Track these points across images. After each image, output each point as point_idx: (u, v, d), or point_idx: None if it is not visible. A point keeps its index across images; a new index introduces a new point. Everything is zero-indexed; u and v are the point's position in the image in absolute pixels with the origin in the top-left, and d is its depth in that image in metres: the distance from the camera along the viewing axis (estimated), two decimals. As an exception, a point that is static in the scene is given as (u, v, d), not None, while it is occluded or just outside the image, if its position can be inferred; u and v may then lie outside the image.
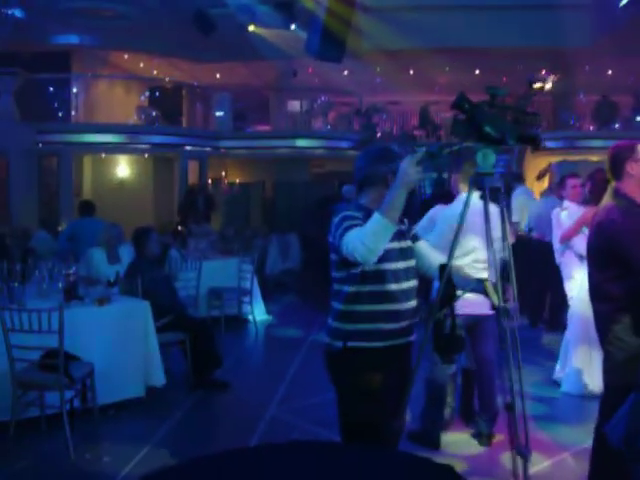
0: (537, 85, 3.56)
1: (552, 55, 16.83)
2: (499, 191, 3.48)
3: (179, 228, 12.91)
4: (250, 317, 9.74)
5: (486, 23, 15.31)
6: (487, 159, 3.34)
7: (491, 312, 5.00)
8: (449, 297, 3.42)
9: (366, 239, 3.07)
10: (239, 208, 17.68)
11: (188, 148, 17.78)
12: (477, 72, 19.74)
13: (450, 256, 3.51)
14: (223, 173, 20.65)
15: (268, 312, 10.44)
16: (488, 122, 3.24)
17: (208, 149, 18.39)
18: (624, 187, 3.95)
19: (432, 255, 3.68)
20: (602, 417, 3.82)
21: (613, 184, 4.02)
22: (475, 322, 5.18)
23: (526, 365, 5.60)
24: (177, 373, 7.00)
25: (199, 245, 10.60)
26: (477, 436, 5.35)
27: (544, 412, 6.10)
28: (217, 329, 8.61)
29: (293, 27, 14.39)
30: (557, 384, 6.79)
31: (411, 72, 19.20)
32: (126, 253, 7.73)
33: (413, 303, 3.46)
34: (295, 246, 13.53)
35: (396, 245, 3.37)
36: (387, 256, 3.25)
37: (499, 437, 5.22)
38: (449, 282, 3.44)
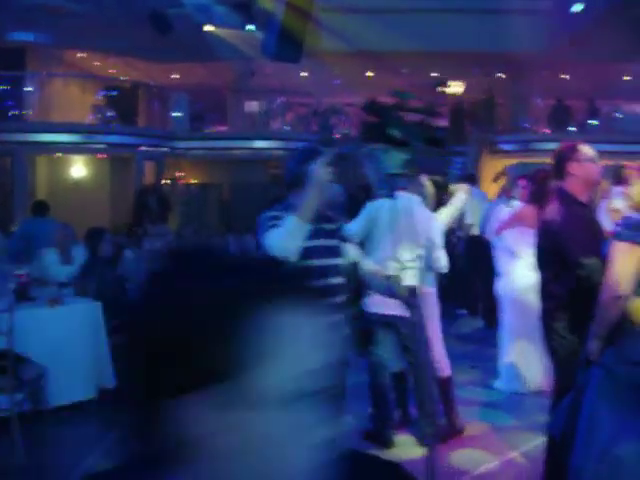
0: (442, 88, 3.64)
1: (508, 59, 17.04)
2: (404, 189, 3.54)
3: (133, 228, 12.78)
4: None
5: (443, 26, 15.45)
6: (394, 160, 3.41)
7: (407, 314, 5.05)
8: (357, 294, 3.50)
9: (281, 238, 3.21)
10: (196, 209, 17.59)
11: (144, 148, 17.62)
12: (434, 75, 19.89)
13: (368, 253, 3.57)
14: (180, 174, 20.52)
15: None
16: (395, 125, 3.32)
17: (165, 149, 18.25)
18: (567, 187, 4.03)
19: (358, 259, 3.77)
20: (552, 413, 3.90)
21: (558, 184, 4.10)
22: (404, 323, 5.18)
23: (480, 364, 5.68)
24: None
25: (154, 245, 10.51)
26: (419, 437, 5.34)
27: (493, 410, 6.17)
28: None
29: (250, 27, 14.34)
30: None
31: (369, 74, 19.28)
32: (79, 254, 7.64)
33: (339, 299, 3.52)
34: (252, 247, 13.49)
35: (322, 243, 3.45)
36: (312, 254, 3.33)
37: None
38: (357, 280, 3.54)
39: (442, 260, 5.27)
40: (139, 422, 0.89)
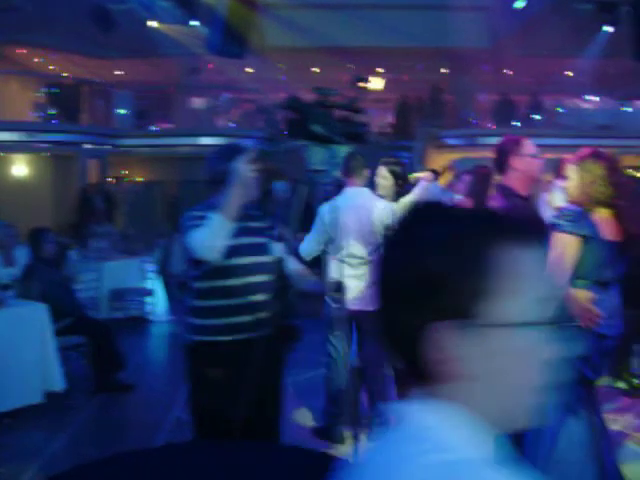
0: (362, 84, 3.65)
1: (452, 55, 17.19)
2: (330, 186, 3.55)
3: (78, 228, 12.56)
4: (153, 318, 9.58)
5: (388, 22, 15.51)
6: (317, 157, 3.42)
7: (369, 308, 5.07)
8: (283, 292, 3.51)
9: (205, 237, 3.20)
10: (142, 207, 17.36)
11: (88, 146, 17.32)
12: (380, 70, 19.99)
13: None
14: (125, 172, 20.25)
15: (172, 312, 10.28)
16: (317, 121, 3.33)
17: (109, 147, 17.97)
18: (508, 181, 4.06)
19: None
20: None
21: (499, 178, 4.12)
22: (361, 318, 5.18)
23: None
24: (79, 377, 6.80)
25: (100, 245, 10.34)
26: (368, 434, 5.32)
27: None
28: (119, 331, 8.41)
29: (194, 23, 14.22)
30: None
31: (316, 70, 19.27)
32: (22, 255, 7.47)
33: (264, 297, 3.52)
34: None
35: (247, 241, 3.45)
36: (236, 252, 3.32)
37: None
38: (283, 277, 3.56)
39: None
40: (403, 348, 1.05)
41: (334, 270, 5.18)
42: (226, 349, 3.44)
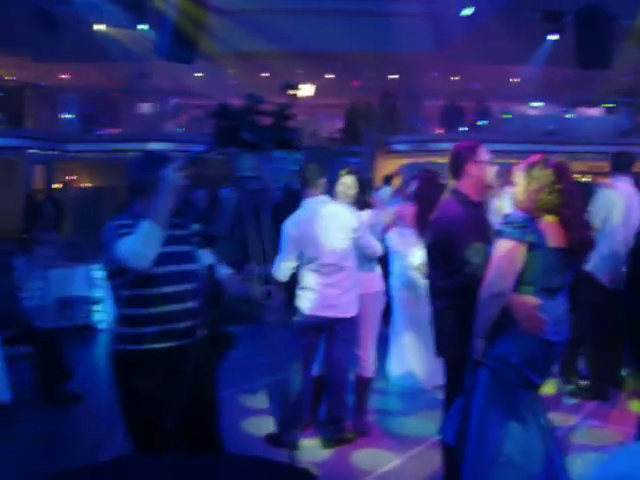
0: (291, 91, 3.67)
1: (400, 61, 17.33)
2: (258, 193, 3.55)
3: (24, 236, 12.30)
4: (101, 327, 9.43)
5: (336, 28, 15.57)
6: (246, 163, 3.43)
7: (345, 315, 5.09)
8: (215, 299, 3.51)
9: (136, 246, 3.17)
10: (90, 213, 17.06)
11: (33, 151, 17.01)
12: (329, 76, 20.04)
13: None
14: (72, 177, 19.91)
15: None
16: (246, 128, 3.34)
17: (55, 152, 17.67)
18: (462, 187, 4.08)
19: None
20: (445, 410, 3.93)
21: (453, 183, 4.14)
22: (324, 325, 5.18)
23: (377, 362, 5.69)
24: (25, 387, 6.64)
25: (46, 253, 10.12)
26: (324, 441, 5.30)
27: (390, 408, 6.23)
28: (66, 340, 8.25)
29: (142, 27, 14.05)
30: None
31: (266, 74, 19.22)
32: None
33: (189, 305, 3.51)
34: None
35: (172, 249, 3.41)
36: (161, 260, 3.28)
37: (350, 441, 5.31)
38: (214, 284, 3.58)
39: (374, 244, 5.35)
40: None
41: (307, 281, 5.18)
42: (155, 358, 3.42)
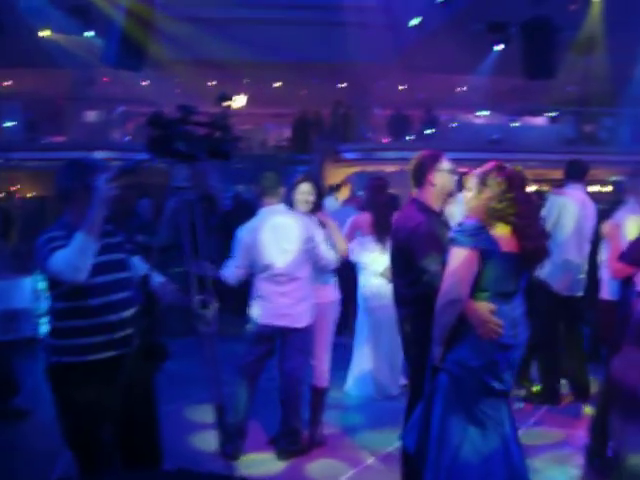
0: (226, 103, 3.68)
1: (348, 70, 17.39)
2: (194, 204, 3.55)
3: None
4: (48, 339, 9.24)
5: (283, 37, 15.57)
6: (181, 174, 3.42)
7: (298, 324, 5.05)
8: (149, 308, 3.49)
9: (71, 258, 3.15)
10: (34, 223, 16.74)
11: (-27, 160, 16.63)
12: (277, 85, 20.03)
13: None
14: (16, 186, 19.50)
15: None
16: (180, 138, 3.34)
17: (-3, 161, 17.27)
18: (423, 195, 4.12)
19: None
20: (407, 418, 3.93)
21: (414, 191, 4.17)
22: (278, 334, 5.15)
23: (332, 372, 5.66)
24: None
25: (-10, 264, 9.90)
26: (279, 452, 5.24)
27: (347, 416, 6.22)
28: (12, 354, 8.05)
29: (89, 34, 13.85)
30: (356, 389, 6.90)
31: (213, 83, 19.13)
32: None
33: (125, 315, 3.48)
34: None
35: (105, 258, 3.39)
36: (94, 270, 3.26)
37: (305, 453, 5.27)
38: (148, 293, 3.55)
39: (329, 256, 5.22)
40: None
41: (260, 289, 5.14)
42: (92, 369, 3.38)
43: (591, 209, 6.42)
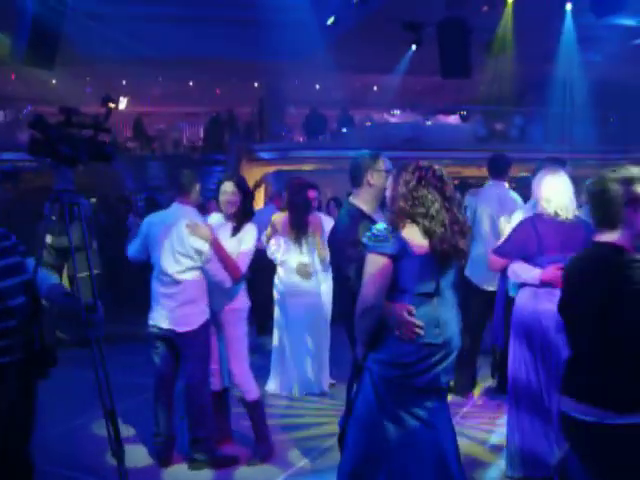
0: (111, 105, 3.67)
1: (263, 68, 17.32)
2: (77, 206, 3.49)
3: None
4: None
5: (195, 35, 15.36)
6: (65, 176, 3.40)
7: (182, 329, 4.89)
8: (35, 312, 3.40)
9: None
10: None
11: None
12: (191, 83, 19.80)
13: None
14: None
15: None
16: (62, 141, 3.31)
17: None
18: (359, 196, 4.11)
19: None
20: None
21: (352, 193, 4.17)
22: (167, 336, 5.00)
23: (255, 372, 5.51)
24: None
25: None
26: (190, 461, 5.03)
27: (274, 421, 6.10)
28: None
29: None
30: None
31: (124, 82, 18.77)
32: None
33: (16, 321, 3.35)
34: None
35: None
36: None
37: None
38: (35, 297, 3.42)
39: (221, 275, 4.92)
40: None
41: (153, 289, 5.01)
42: None
43: (511, 205, 6.37)
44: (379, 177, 4.03)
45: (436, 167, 3.40)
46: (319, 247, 6.55)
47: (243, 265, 4.98)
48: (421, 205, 3.30)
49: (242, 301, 5.22)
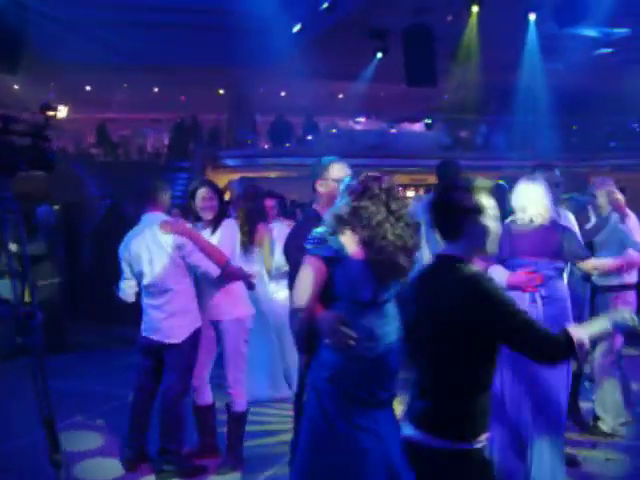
0: (50, 112, 3.65)
1: (228, 75, 17.27)
2: (13, 214, 3.46)
3: None
4: None
5: (160, 41, 15.27)
6: (1, 183, 3.38)
7: (169, 340, 4.85)
8: None
9: None
10: None
11: None
12: (156, 90, 19.67)
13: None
14: None
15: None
16: (1, 149, 3.30)
17: None
18: (315, 201, 4.23)
19: None
20: None
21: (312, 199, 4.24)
22: (154, 348, 4.96)
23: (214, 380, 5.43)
24: None
25: None
26: (157, 473, 4.95)
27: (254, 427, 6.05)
28: None
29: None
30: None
31: (88, 88, 18.59)
32: None
33: None
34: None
35: None
36: None
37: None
38: None
39: (205, 265, 4.87)
40: None
41: (143, 301, 4.97)
42: None
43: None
44: (326, 185, 4.07)
45: (386, 180, 3.32)
46: (266, 257, 6.44)
47: (227, 250, 4.92)
48: (361, 216, 3.23)
49: (244, 310, 5.15)
